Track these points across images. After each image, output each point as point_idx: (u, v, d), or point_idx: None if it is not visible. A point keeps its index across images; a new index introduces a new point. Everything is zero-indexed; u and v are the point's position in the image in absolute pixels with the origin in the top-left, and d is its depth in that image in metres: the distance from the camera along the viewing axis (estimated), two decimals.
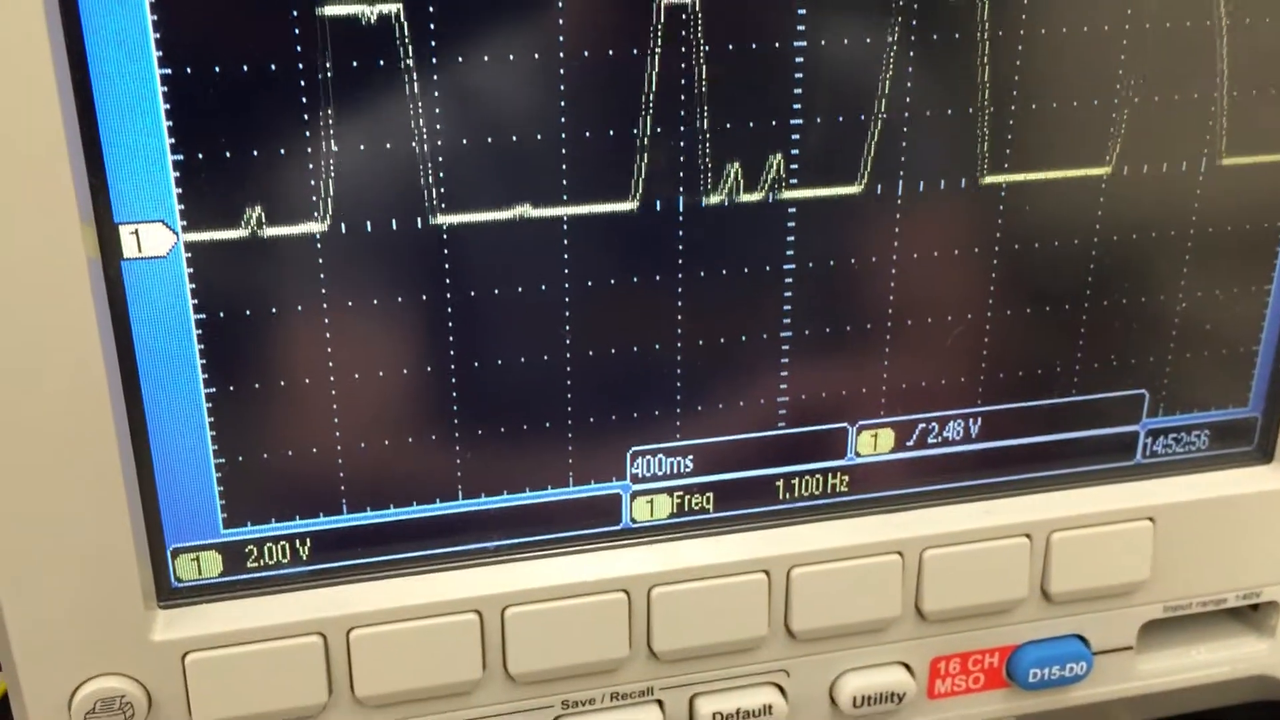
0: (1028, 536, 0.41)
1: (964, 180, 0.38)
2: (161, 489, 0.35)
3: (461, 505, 0.37)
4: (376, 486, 0.37)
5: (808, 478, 0.40)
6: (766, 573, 0.39)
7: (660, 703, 0.40)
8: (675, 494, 0.39)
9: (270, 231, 0.33)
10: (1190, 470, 0.43)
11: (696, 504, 0.40)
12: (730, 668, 0.40)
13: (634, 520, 0.39)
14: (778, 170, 0.36)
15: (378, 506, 0.37)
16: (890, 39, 0.35)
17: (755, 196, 0.36)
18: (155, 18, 0.30)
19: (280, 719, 0.36)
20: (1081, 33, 0.37)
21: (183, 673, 0.35)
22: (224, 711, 0.36)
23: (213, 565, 0.36)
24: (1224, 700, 0.49)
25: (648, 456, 0.39)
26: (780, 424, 0.39)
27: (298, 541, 0.36)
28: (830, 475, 0.40)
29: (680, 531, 0.39)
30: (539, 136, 0.34)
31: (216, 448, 0.35)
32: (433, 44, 0.32)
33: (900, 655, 0.42)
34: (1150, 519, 0.42)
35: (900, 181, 0.37)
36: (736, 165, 0.36)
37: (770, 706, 0.40)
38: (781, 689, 0.41)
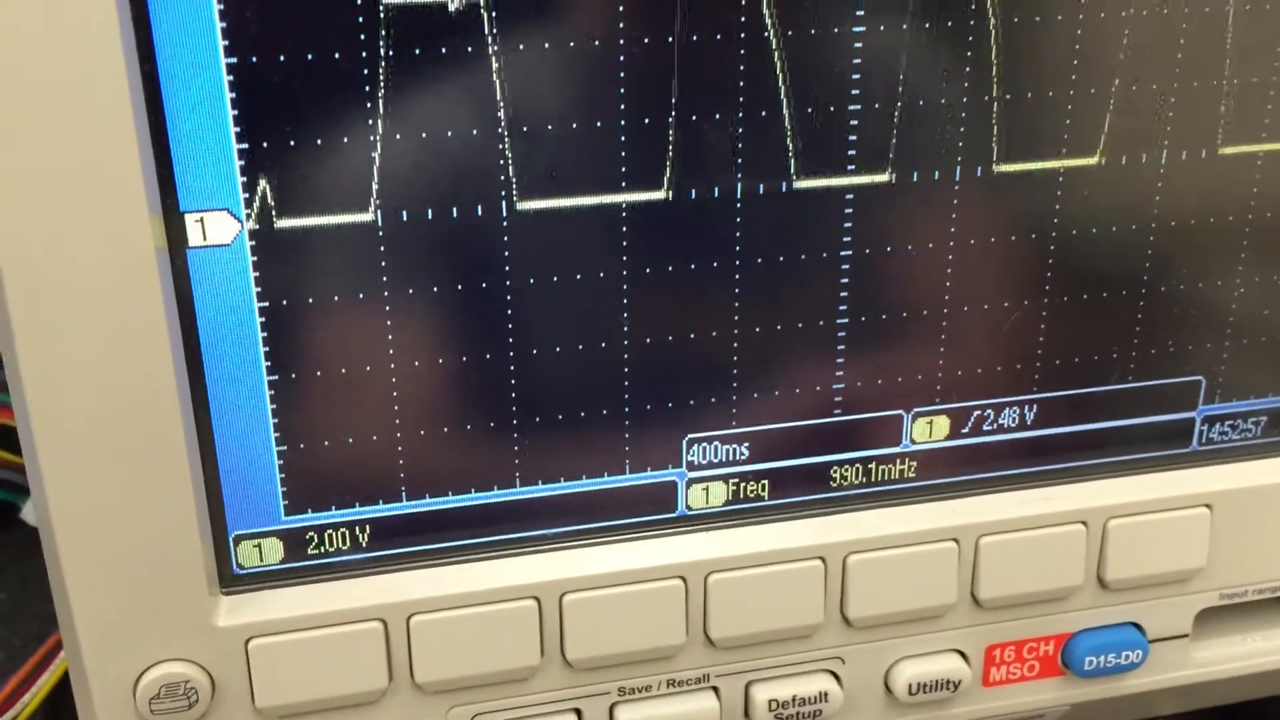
0: (1084, 523, 0.41)
1: (1014, 167, 0.37)
2: (224, 476, 0.35)
3: (519, 492, 0.37)
4: (435, 474, 0.37)
5: (863, 465, 0.40)
6: (822, 560, 0.39)
7: (716, 690, 0.40)
8: (731, 481, 0.39)
9: (332, 219, 0.33)
10: (1247, 457, 0.43)
11: (752, 491, 0.40)
12: (786, 655, 0.40)
13: (690, 508, 0.39)
14: (834, 156, 0.36)
15: (436, 494, 0.37)
16: (960, 23, 0.35)
17: (812, 183, 0.36)
18: (222, 7, 0.30)
19: (341, 704, 0.37)
20: (1138, 16, 0.37)
21: (246, 658, 0.35)
22: (286, 696, 0.36)
23: (274, 552, 0.36)
24: (1278, 690, 0.49)
25: (703, 444, 0.39)
26: (835, 411, 0.39)
27: (358, 528, 0.37)
28: (885, 462, 0.40)
29: (736, 519, 0.39)
30: (599, 124, 0.34)
31: (278, 435, 0.35)
32: (497, 32, 0.32)
33: (955, 643, 0.42)
34: (1207, 506, 0.41)
35: (957, 168, 0.37)
36: (793, 152, 0.36)
37: (826, 694, 0.40)
38: (837, 676, 0.41)
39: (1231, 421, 0.43)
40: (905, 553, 0.39)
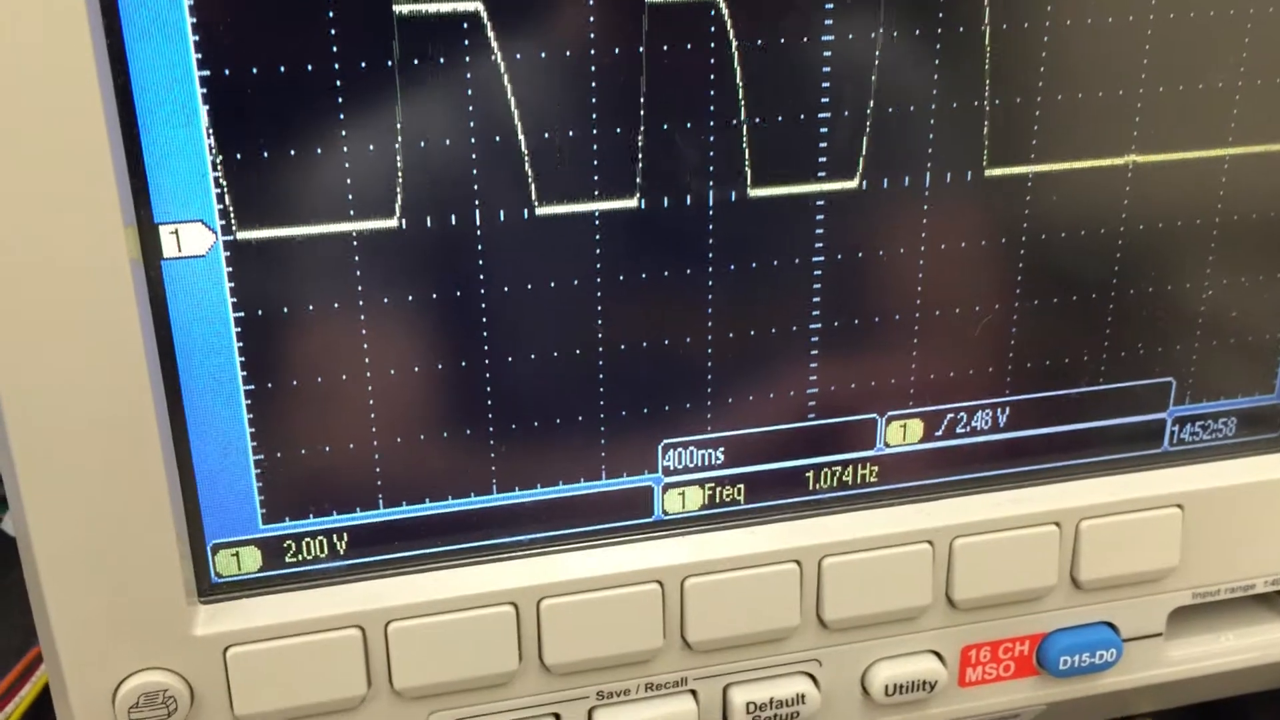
0: (1057, 524, 0.41)
1: (988, 172, 0.38)
2: (201, 485, 0.35)
3: (496, 499, 0.38)
4: (412, 481, 0.37)
5: (838, 468, 0.41)
6: (798, 563, 0.39)
7: (694, 693, 0.40)
8: (706, 486, 0.40)
9: (307, 230, 0.33)
10: (1218, 457, 0.43)
11: (728, 495, 0.40)
12: (763, 657, 0.40)
13: (666, 512, 0.39)
14: (804, 164, 0.36)
15: (413, 501, 0.37)
16: (903, 31, 0.36)
17: (783, 190, 0.36)
18: (194, 20, 0.31)
19: (320, 711, 0.37)
20: (1106, 24, 0.37)
21: (224, 666, 0.35)
22: (265, 704, 0.36)
23: (252, 560, 0.36)
24: (1254, 686, 0.50)
25: (679, 449, 0.39)
26: (810, 415, 0.40)
27: (335, 536, 0.37)
28: (860, 466, 0.41)
29: (712, 523, 0.40)
30: (570, 134, 0.34)
31: (255, 444, 0.35)
32: (468, 44, 0.33)
33: (931, 644, 0.42)
34: (1179, 506, 0.42)
35: (927, 174, 0.37)
36: (763, 160, 0.36)
37: (803, 695, 0.41)
38: (814, 678, 0.41)
39: (1202, 422, 0.43)
40: (880, 555, 0.40)
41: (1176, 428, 0.43)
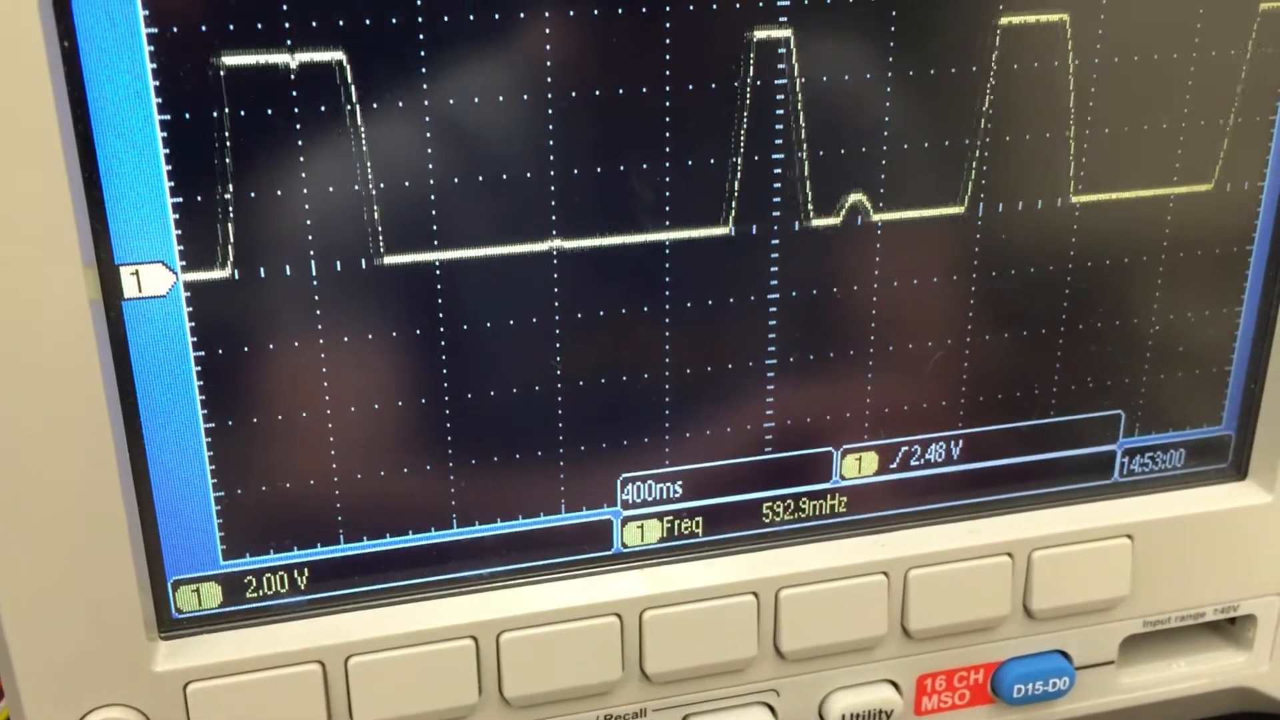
0: (1009, 555, 0.42)
1: (942, 209, 0.39)
2: (162, 522, 0.36)
3: (456, 533, 0.38)
4: (373, 516, 0.37)
5: (794, 501, 0.41)
6: (755, 594, 0.40)
7: None
8: (665, 519, 0.40)
9: (266, 270, 0.34)
10: (1167, 488, 0.44)
11: (686, 528, 0.40)
12: (721, 688, 0.41)
13: (625, 545, 0.40)
14: (759, 203, 0.37)
15: (374, 536, 0.38)
16: (876, 72, 0.36)
17: (738, 229, 0.37)
18: (154, 65, 0.31)
19: None
20: (1050, 67, 0.38)
21: (184, 702, 0.36)
22: None
23: (212, 596, 0.37)
24: (1206, 712, 0.50)
25: (638, 483, 0.39)
26: (766, 449, 0.40)
27: (296, 572, 0.37)
28: (816, 498, 0.41)
29: (670, 555, 0.40)
30: (528, 175, 0.35)
31: (216, 481, 0.35)
32: (427, 88, 0.33)
33: (887, 673, 0.43)
34: (1129, 536, 0.43)
35: (879, 213, 0.38)
36: (721, 199, 0.37)
37: None
38: (772, 708, 0.42)
39: (1151, 454, 0.44)
40: (836, 586, 0.40)
41: (1126, 459, 0.44)
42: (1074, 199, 0.40)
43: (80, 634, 0.35)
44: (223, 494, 0.36)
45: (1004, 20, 0.37)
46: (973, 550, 0.41)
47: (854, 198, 0.38)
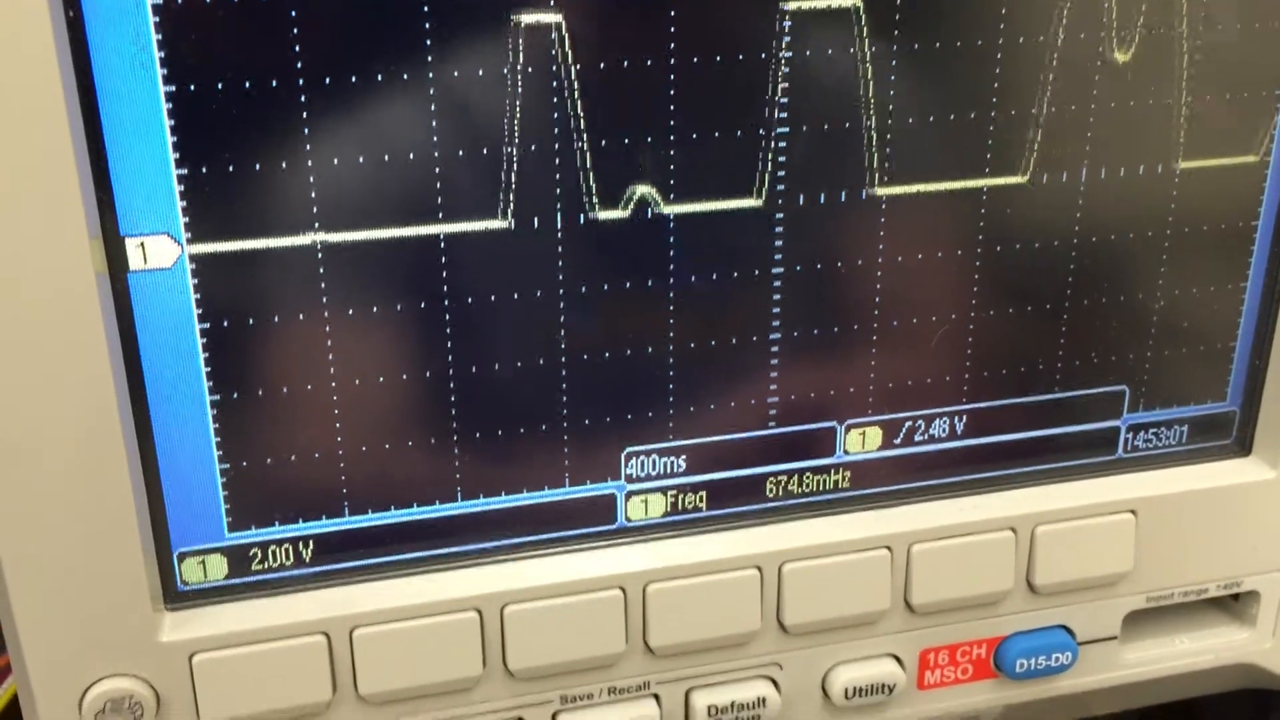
0: (1013, 530, 0.42)
1: (947, 185, 0.39)
2: (168, 494, 0.36)
3: (460, 507, 0.38)
4: (377, 489, 0.37)
5: (798, 476, 0.41)
6: (759, 569, 0.40)
7: (657, 697, 0.41)
8: (669, 493, 0.40)
9: (272, 242, 0.34)
10: (1171, 464, 0.44)
11: (690, 503, 0.41)
12: (724, 662, 0.41)
13: (629, 519, 0.40)
14: (764, 177, 0.37)
15: (378, 509, 0.38)
16: (866, 48, 0.36)
17: (742, 203, 0.37)
18: (159, 36, 0.31)
19: (286, 717, 0.37)
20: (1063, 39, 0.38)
21: (190, 673, 0.36)
22: (231, 710, 0.36)
23: (218, 568, 0.37)
24: (1209, 688, 0.50)
25: (642, 457, 0.39)
26: (770, 424, 0.40)
27: (301, 544, 0.37)
28: (820, 473, 0.41)
29: (674, 530, 0.40)
30: (532, 147, 0.35)
31: (221, 453, 0.36)
32: (432, 60, 0.33)
33: (890, 648, 0.43)
34: (1133, 511, 0.43)
35: (884, 186, 0.38)
36: (722, 173, 0.37)
37: (764, 699, 0.41)
38: (775, 682, 0.42)
39: (1155, 430, 0.44)
40: (840, 561, 0.40)
41: (1130, 435, 0.44)
42: (1081, 173, 0.40)
43: (86, 605, 0.35)
44: (228, 466, 0.36)
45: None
46: (976, 525, 0.41)
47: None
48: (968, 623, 0.43)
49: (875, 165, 0.38)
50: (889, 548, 0.41)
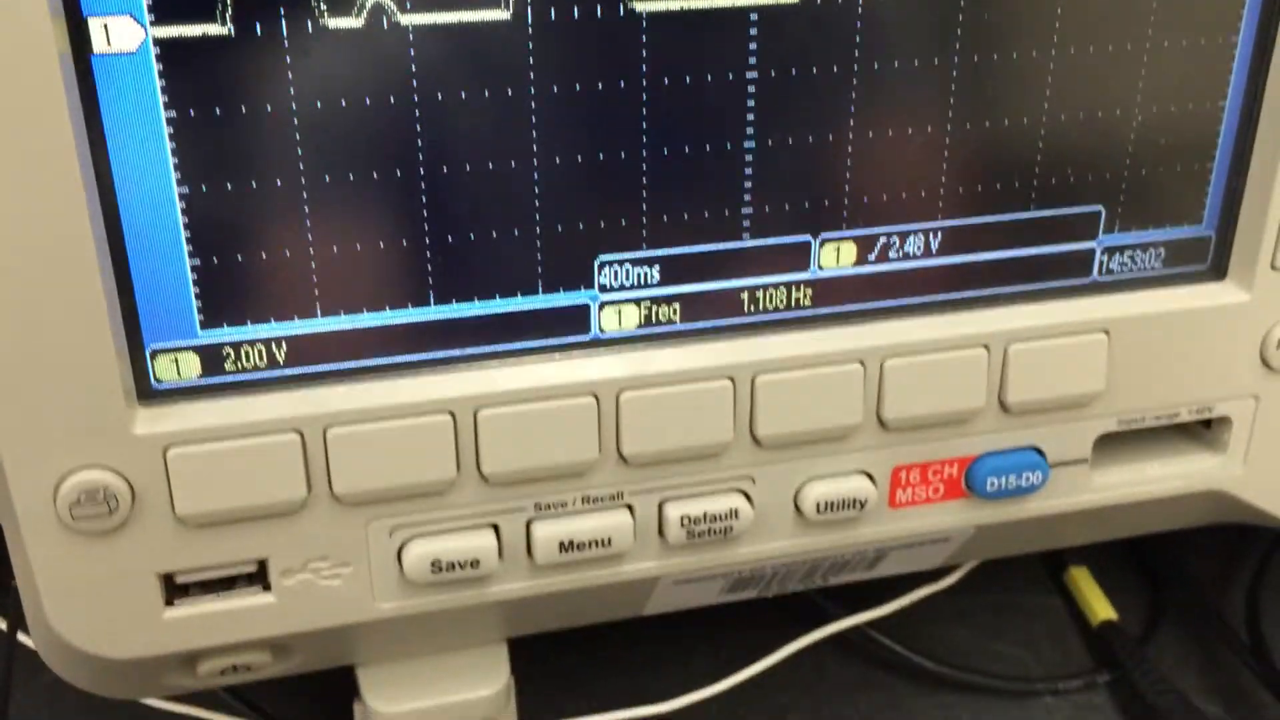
0: (985, 348, 0.42)
1: None
2: (138, 290, 0.36)
3: (434, 311, 0.38)
4: (349, 291, 0.37)
5: (772, 290, 0.41)
6: (732, 379, 0.40)
7: (630, 507, 0.41)
8: (643, 304, 0.40)
9: (239, 27, 0.34)
10: (1145, 287, 0.44)
11: (663, 315, 0.41)
12: (698, 474, 0.41)
13: (603, 330, 0.40)
14: None
15: (351, 310, 0.38)
16: None
17: (716, 2, 0.37)
18: None
19: (260, 513, 0.38)
20: None
21: (164, 466, 0.36)
22: (206, 504, 0.37)
23: (191, 367, 0.37)
24: (1181, 521, 0.51)
25: (615, 266, 0.39)
26: (744, 235, 0.40)
27: (274, 345, 0.37)
28: (794, 288, 0.41)
29: (648, 342, 0.41)
30: None
31: (191, 249, 0.36)
32: None
33: (862, 464, 0.43)
34: (1105, 331, 0.43)
35: None
36: None
37: (736, 511, 0.42)
38: (747, 495, 0.42)
39: (1131, 252, 0.44)
40: (812, 374, 0.41)
41: (1105, 257, 0.44)
42: None
43: (60, 398, 0.35)
44: (198, 261, 0.36)
45: None
46: (949, 341, 0.42)
47: None
48: (940, 441, 0.43)
49: None
50: (862, 362, 0.41)
